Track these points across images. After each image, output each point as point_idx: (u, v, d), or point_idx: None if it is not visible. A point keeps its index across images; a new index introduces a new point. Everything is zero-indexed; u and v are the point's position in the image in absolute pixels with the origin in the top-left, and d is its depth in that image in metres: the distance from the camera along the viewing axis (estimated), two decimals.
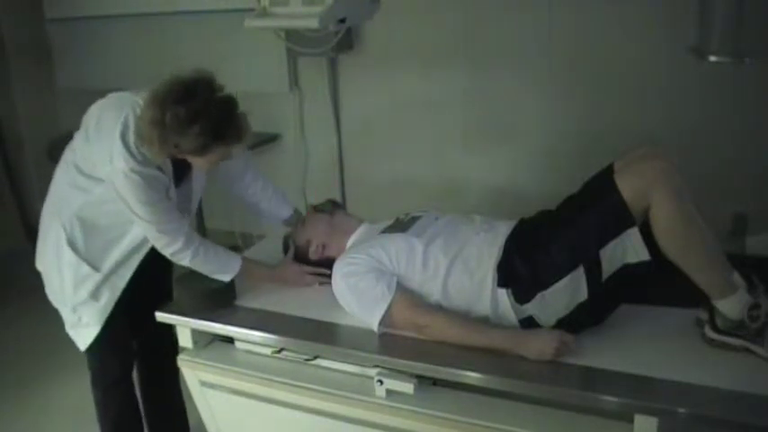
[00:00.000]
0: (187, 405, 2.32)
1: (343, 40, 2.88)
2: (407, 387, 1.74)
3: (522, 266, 1.73)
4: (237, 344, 2.01)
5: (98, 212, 1.92)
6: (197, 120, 1.67)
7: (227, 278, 1.96)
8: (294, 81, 3.61)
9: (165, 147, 1.71)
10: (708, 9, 1.93)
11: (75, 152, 1.92)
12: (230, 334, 1.96)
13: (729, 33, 1.89)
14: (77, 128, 1.93)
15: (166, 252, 1.89)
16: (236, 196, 2.20)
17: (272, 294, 2.04)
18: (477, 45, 3.14)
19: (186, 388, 2.13)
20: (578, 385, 1.58)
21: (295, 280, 2.06)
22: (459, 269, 1.78)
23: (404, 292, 1.78)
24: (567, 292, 1.68)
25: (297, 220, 2.20)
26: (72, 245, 1.93)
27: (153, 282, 2.08)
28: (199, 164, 1.85)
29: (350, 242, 2.04)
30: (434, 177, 3.42)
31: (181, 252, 1.88)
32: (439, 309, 1.78)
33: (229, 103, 1.75)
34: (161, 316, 2.00)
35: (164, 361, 2.24)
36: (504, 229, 1.86)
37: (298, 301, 2.00)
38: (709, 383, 1.50)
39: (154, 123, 1.68)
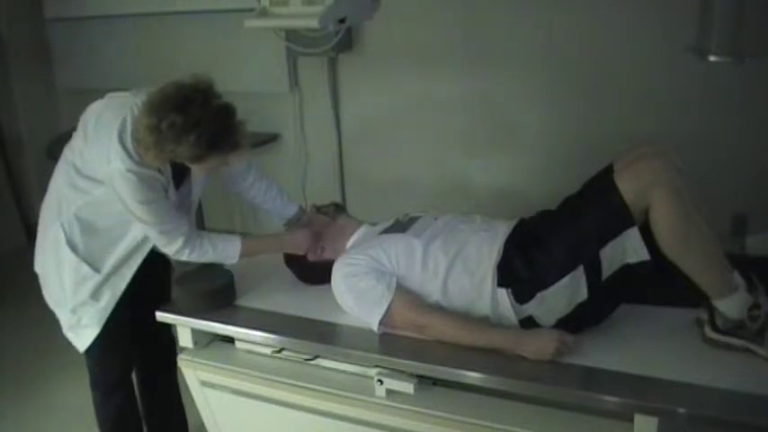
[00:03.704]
0: (187, 405, 2.32)
1: (343, 40, 2.89)
2: (407, 387, 1.74)
3: (522, 266, 1.73)
4: (238, 344, 2.01)
5: (97, 213, 1.92)
6: (193, 129, 1.67)
7: (232, 262, 1.97)
8: (294, 81, 3.62)
9: (161, 154, 1.71)
10: (708, 9, 1.93)
11: (74, 152, 1.92)
12: (230, 334, 1.96)
13: (729, 33, 1.89)
14: (77, 127, 1.93)
15: (166, 251, 1.90)
16: (240, 196, 2.20)
17: (272, 294, 2.04)
18: (478, 45, 3.14)
19: (186, 388, 2.13)
20: (578, 385, 1.58)
21: (301, 244, 2.05)
22: (459, 269, 1.78)
23: (404, 293, 1.78)
24: (567, 292, 1.68)
25: (298, 219, 2.20)
26: (72, 245, 1.93)
27: (153, 282, 2.08)
28: (196, 169, 1.85)
29: (349, 244, 2.04)
30: (434, 177, 3.42)
31: (180, 251, 1.89)
32: (439, 309, 1.78)
33: (227, 112, 1.75)
34: (161, 316, 2.00)
35: (163, 361, 2.25)
36: (503, 229, 1.86)
37: (298, 301, 2.00)
38: (710, 383, 1.50)
39: (150, 130, 1.68)
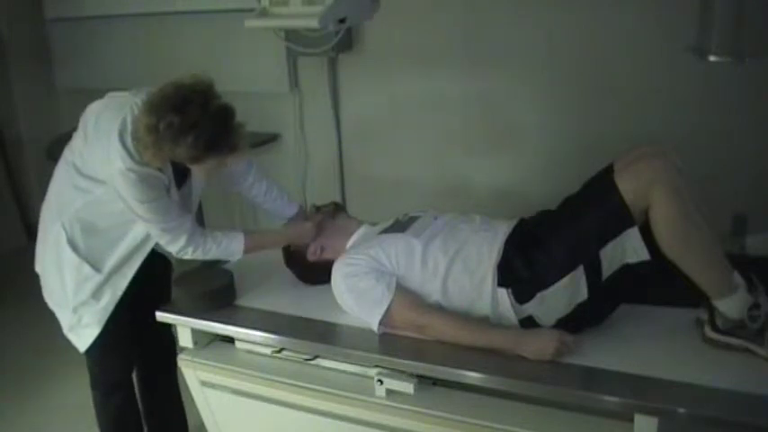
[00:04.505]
0: (187, 405, 2.32)
1: (343, 40, 2.89)
2: (407, 387, 1.74)
3: (522, 266, 1.73)
4: (238, 344, 2.01)
5: (98, 213, 1.92)
6: (191, 131, 1.68)
7: (236, 258, 1.98)
8: (294, 81, 3.61)
9: (159, 153, 1.71)
10: (708, 9, 1.93)
11: (74, 152, 1.92)
12: (230, 334, 1.96)
13: (729, 33, 1.89)
14: (77, 127, 1.93)
15: (170, 249, 1.90)
16: (241, 195, 2.20)
17: (272, 294, 2.04)
18: (477, 45, 3.14)
19: (186, 388, 2.13)
20: (578, 385, 1.58)
21: (306, 235, 2.05)
22: (459, 269, 1.78)
23: (403, 293, 1.78)
24: (567, 291, 1.68)
25: (298, 219, 2.20)
26: (73, 245, 1.93)
27: (153, 282, 2.08)
28: (195, 170, 1.85)
29: (349, 244, 2.04)
30: (434, 177, 3.42)
31: (184, 249, 1.89)
32: (439, 309, 1.78)
33: (225, 114, 1.74)
34: (161, 316, 2.00)
35: (163, 361, 2.25)
36: (504, 229, 1.86)
37: (298, 301, 2.00)
38: (709, 383, 1.50)
39: (149, 130, 1.68)
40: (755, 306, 1.59)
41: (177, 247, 1.89)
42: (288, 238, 2.10)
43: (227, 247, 1.95)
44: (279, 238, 2.12)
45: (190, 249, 1.89)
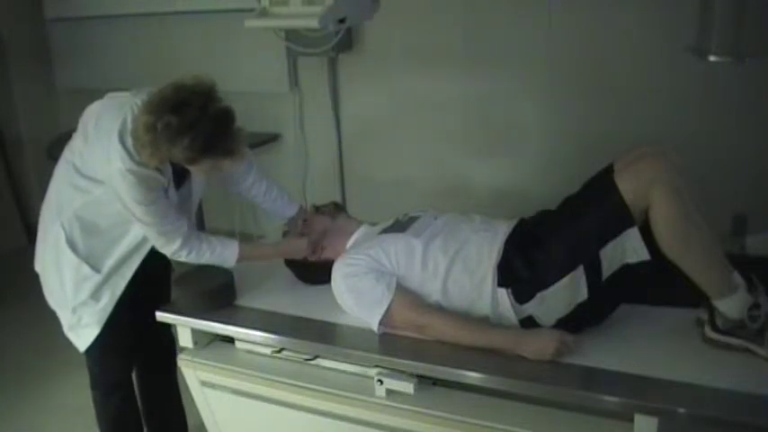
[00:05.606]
0: (187, 405, 2.32)
1: (343, 40, 2.89)
2: (407, 387, 1.74)
3: (522, 266, 1.73)
4: (238, 344, 2.01)
5: (97, 213, 1.92)
6: (187, 132, 1.67)
7: (229, 266, 1.98)
8: (294, 81, 3.62)
9: (156, 153, 1.71)
10: (708, 9, 1.94)
11: (74, 152, 1.92)
12: (230, 334, 1.96)
13: (729, 33, 1.90)
14: (77, 128, 1.93)
15: (164, 251, 1.91)
16: (240, 196, 2.20)
17: (272, 294, 2.04)
18: (477, 45, 3.14)
19: (186, 388, 2.13)
20: (578, 385, 1.58)
21: (299, 251, 2.05)
22: (459, 269, 1.78)
23: (403, 293, 1.78)
24: (567, 291, 1.68)
25: (298, 219, 2.20)
26: (72, 245, 1.93)
27: (153, 282, 2.08)
28: (193, 171, 1.85)
29: (349, 244, 2.04)
30: (434, 177, 3.42)
31: (178, 252, 1.89)
32: (439, 309, 1.78)
33: (224, 118, 1.74)
34: (161, 316, 2.00)
35: (163, 361, 2.25)
36: (504, 229, 1.86)
37: (298, 301, 2.00)
38: (710, 383, 1.50)
39: (147, 129, 1.68)
40: (755, 306, 1.59)
41: (171, 249, 1.89)
42: (282, 252, 2.10)
43: (221, 254, 1.94)
44: (273, 251, 2.12)
45: (184, 252, 1.89)
